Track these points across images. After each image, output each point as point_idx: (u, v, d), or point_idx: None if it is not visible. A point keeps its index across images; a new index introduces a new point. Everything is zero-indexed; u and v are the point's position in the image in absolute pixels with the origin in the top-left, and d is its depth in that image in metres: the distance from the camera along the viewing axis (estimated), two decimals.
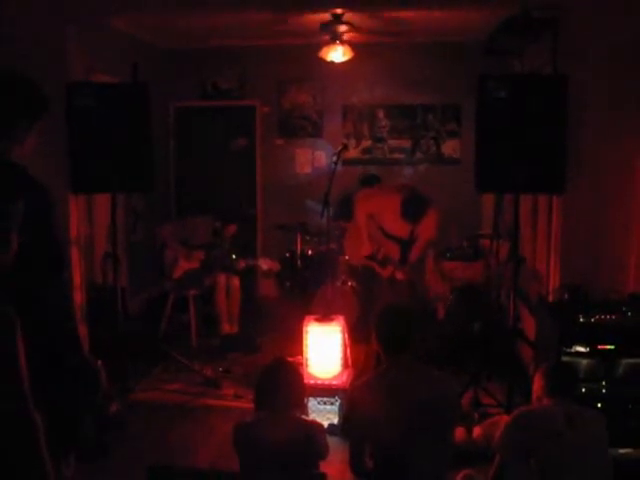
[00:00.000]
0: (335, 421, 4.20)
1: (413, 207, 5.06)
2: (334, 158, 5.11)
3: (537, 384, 2.96)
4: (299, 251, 6.12)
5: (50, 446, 2.26)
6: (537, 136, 4.03)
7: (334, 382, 4.36)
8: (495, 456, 2.87)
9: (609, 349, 3.61)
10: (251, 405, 2.97)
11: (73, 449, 2.42)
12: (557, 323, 3.81)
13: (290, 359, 3.90)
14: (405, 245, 5.16)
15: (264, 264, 5.81)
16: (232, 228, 6.19)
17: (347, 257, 6.17)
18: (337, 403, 4.22)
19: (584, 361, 3.62)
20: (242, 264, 5.97)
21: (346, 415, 3.16)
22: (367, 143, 7.43)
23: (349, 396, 3.20)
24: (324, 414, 4.21)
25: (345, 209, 5.85)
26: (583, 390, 3.58)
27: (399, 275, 5.16)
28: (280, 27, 6.20)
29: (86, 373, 2.38)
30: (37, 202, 2.23)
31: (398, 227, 5.14)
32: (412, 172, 7.39)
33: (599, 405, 3.56)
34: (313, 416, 4.11)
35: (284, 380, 2.90)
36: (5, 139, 2.29)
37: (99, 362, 3.81)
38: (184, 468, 3.58)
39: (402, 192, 5.15)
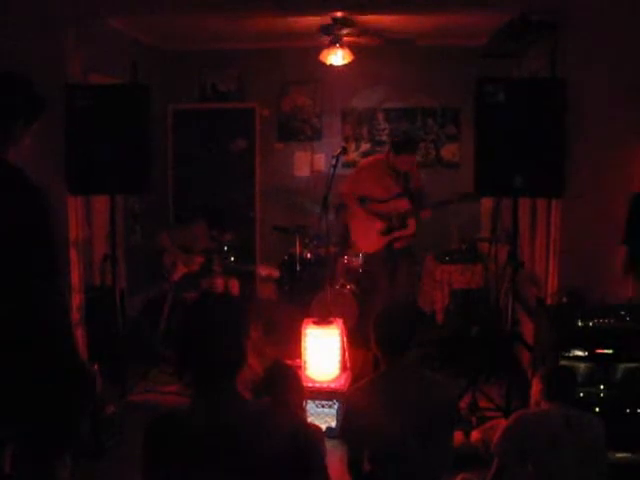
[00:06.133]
0: (333, 424, 4.19)
1: (401, 143, 5.40)
2: (333, 161, 5.09)
3: (535, 388, 2.96)
4: (298, 254, 6.10)
5: (44, 448, 2.26)
6: (536, 140, 4.02)
7: (333, 385, 4.35)
8: (493, 460, 2.86)
9: (607, 353, 3.61)
10: None
11: (68, 451, 2.41)
12: (555, 327, 3.81)
13: (289, 362, 3.90)
14: (407, 194, 5.39)
15: (263, 270, 5.79)
16: (227, 236, 6.20)
17: (361, 250, 5.98)
18: (335, 406, 4.21)
19: (582, 365, 3.62)
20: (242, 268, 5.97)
21: (344, 419, 3.15)
22: (366, 146, 7.43)
23: (347, 400, 3.19)
24: (322, 417, 4.20)
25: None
26: (581, 394, 3.58)
27: (427, 213, 5.36)
28: (280, 30, 6.21)
29: (81, 377, 2.36)
30: (30, 204, 2.22)
31: (391, 189, 5.38)
32: None
33: (597, 409, 3.55)
34: (311, 419, 4.10)
35: (282, 383, 2.88)
36: (2, 139, 2.28)
37: (95, 366, 3.82)
38: None
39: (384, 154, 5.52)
